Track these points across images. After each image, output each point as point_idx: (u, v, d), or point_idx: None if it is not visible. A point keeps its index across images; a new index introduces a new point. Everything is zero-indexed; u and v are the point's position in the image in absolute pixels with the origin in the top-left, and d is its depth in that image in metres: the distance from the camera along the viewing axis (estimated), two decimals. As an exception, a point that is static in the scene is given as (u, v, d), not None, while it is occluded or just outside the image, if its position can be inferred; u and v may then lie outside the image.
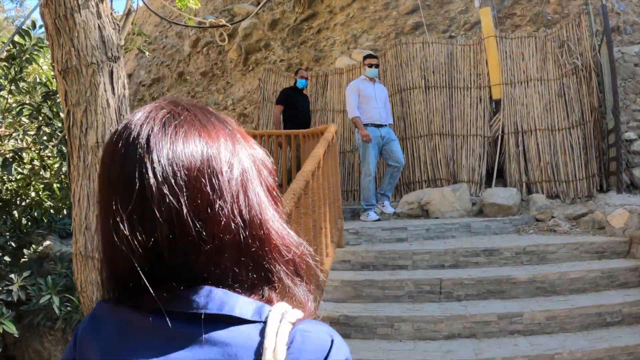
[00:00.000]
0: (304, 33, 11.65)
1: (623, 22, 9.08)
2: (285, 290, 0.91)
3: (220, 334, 0.83)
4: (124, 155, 0.84)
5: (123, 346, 0.86)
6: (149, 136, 0.84)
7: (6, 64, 6.82)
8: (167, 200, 0.81)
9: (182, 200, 0.81)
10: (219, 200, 0.84)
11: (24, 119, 7.28)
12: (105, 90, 3.19)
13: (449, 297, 5.01)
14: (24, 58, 7.11)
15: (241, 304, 0.85)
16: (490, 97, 8.25)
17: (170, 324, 0.83)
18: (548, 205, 7.16)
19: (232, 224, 0.84)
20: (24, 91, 7.30)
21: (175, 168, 0.82)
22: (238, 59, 12.62)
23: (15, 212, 8.21)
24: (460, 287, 5.02)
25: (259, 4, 12.28)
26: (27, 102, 7.21)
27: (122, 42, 3.63)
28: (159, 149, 0.83)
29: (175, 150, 0.83)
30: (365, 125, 7.46)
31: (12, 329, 5.77)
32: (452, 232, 6.44)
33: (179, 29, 14.02)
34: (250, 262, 0.87)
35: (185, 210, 0.81)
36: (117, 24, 3.58)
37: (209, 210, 0.83)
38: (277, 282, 0.90)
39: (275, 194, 0.93)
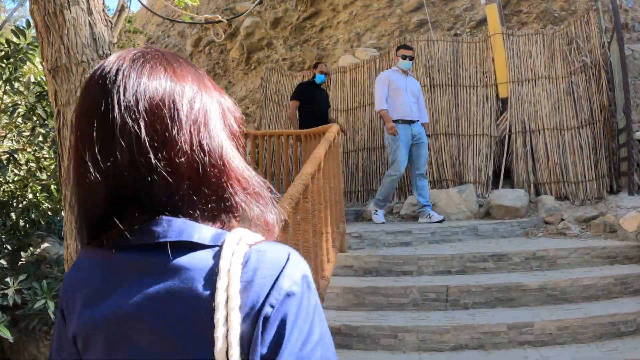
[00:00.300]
0: (306, 31, 11.39)
1: (631, 19, 8.81)
2: (249, 219, 0.92)
3: (181, 260, 0.84)
4: (94, 88, 0.89)
5: (100, 287, 0.89)
6: (117, 70, 0.89)
7: (1, 63, 6.60)
8: (128, 126, 0.85)
9: (141, 125, 0.85)
10: (178, 128, 0.86)
11: (19, 119, 7.08)
12: (96, 90, 3.06)
13: (455, 305, 4.75)
14: (18, 57, 6.91)
15: (200, 231, 0.86)
16: (497, 95, 7.97)
17: (136, 257, 0.87)
18: (557, 207, 6.89)
19: (190, 151, 0.86)
20: (19, 91, 7.08)
21: (139, 97, 0.86)
22: (240, 58, 12.38)
23: (12, 214, 8.05)
24: (468, 295, 4.76)
25: (261, 2, 12.03)
26: (21, 102, 7.00)
27: (115, 40, 3.50)
28: (126, 80, 0.87)
29: (140, 82, 0.87)
30: (395, 121, 6.92)
31: (6, 334, 5.56)
32: (458, 236, 6.17)
33: (181, 28, 13.80)
34: (210, 192, 0.88)
35: (143, 135, 0.84)
36: (110, 21, 3.46)
37: (167, 135, 0.86)
38: (238, 211, 0.91)
39: (238, 141, 0.95)
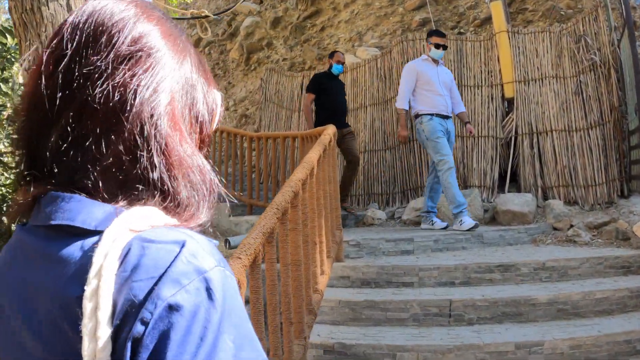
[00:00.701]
0: (307, 31, 11.03)
1: (639, 17, 8.43)
2: (176, 201, 0.73)
3: (58, 251, 0.68)
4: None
5: (7, 266, 0.75)
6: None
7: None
8: (61, 45, 0.72)
9: (69, 46, 0.71)
10: (104, 67, 0.70)
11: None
12: (76, 91, 2.84)
13: (459, 320, 4.36)
14: (5, 58, 6.60)
15: (90, 211, 0.68)
16: (503, 95, 7.57)
17: (30, 239, 0.72)
18: (566, 212, 6.48)
19: (109, 99, 0.69)
20: (6, 93, 6.77)
21: (88, 17, 0.73)
22: (240, 59, 12.02)
23: (4, 219, 7.86)
24: (472, 310, 4.36)
25: (261, 2, 11.68)
26: (9, 104, 6.69)
27: None
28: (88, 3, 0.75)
29: (101, 4, 0.74)
30: (430, 116, 6.25)
31: None
32: (462, 243, 5.77)
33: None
34: (133, 162, 0.70)
35: (66, 60, 0.71)
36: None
37: (87, 69, 0.70)
38: (163, 187, 0.72)
39: (203, 134, 0.80)
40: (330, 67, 7.63)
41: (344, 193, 7.10)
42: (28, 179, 0.73)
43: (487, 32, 8.56)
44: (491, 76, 7.69)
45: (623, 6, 7.11)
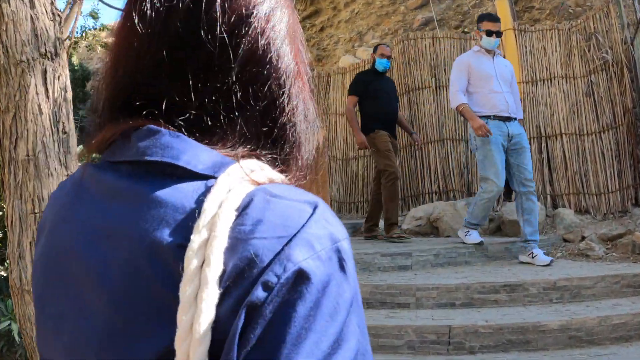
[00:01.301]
0: (306, 31, 10.54)
1: (653, 14, 7.92)
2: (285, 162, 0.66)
3: (154, 191, 0.57)
4: None
5: (62, 210, 0.66)
6: None
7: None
8: None
9: None
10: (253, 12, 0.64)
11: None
12: (37, 94, 2.73)
13: (459, 349, 3.83)
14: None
15: (195, 153, 0.58)
16: (509, 97, 7.03)
17: (110, 177, 0.62)
18: (577, 222, 5.94)
19: (259, 42, 0.63)
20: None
21: None
22: (239, 60, 11.56)
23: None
24: (474, 337, 3.83)
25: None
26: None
27: (65, 36, 3.03)
28: None
29: None
30: (485, 118, 5.06)
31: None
32: (465, 257, 5.24)
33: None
34: (257, 95, 0.63)
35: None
36: (59, 15, 2.99)
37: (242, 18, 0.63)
38: (281, 144, 0.65)
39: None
40: (374, 62, 6.46)
41: (391, 215, 6.04)
42: (112, 112, 0.64)
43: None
44: (497, 77, 7.14)
45: (636, 2, 6.62)
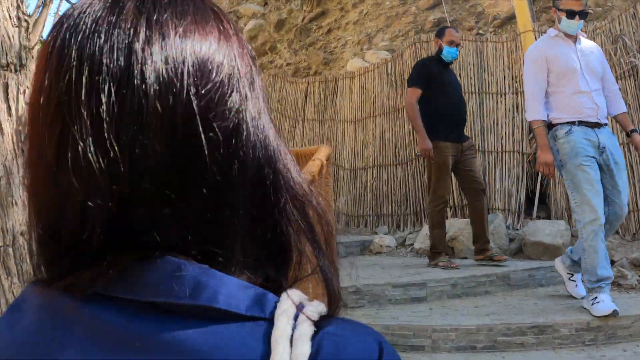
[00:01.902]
0: (312, 33, 10.02)
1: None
2: (297, 268, 0.58)
3: (192, 338, 0.47)
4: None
5: (46, 344, 0.50)
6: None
7: None
8: (171, 95, 0.49)
9: (191, 93, 0.49)
10: (234, 95, 0.53)
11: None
12: (-3, 110, 2.41)
13: (483, 406, 3.31)
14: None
15: (229, 289, 0.50)
16: (529, 105, 6.47)
17: (113, 319, 0.49)
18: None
19: (252, 147, 0.53)
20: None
21: (183, 56, 0.50)
22: (243, 64, 11.06)
23: None
24: (500, 392, 3.31)
25: (265, 4, 10.70)
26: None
27: (33, 43, 2.76)
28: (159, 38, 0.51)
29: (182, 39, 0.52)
30: (569, 126, 3.89)
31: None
32: (485, 287, 4.71)
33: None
34: (258, 215, 0.54)
35: (196, 108, 0.49)
36: (26, 20, 2.66)
37: (225, 111, 0.52)
38: (292, 252, 0.56)
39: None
40: (439, 50, 5.25)
41: (482, 240, 5.13)
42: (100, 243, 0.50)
43: (510, 32, 7.51)
44: (516, 82, 6.62)
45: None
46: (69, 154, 0.48)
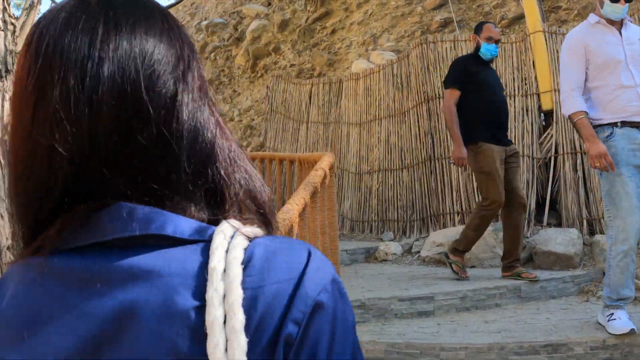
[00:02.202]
0: (316, 34, 9.83)
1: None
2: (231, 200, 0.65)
3: (145, 263, 0.57)
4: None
5: (26, 304, 0.59)
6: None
7: None
8: (122, 72, 0.59)
9: (139, 71, 0.60)
10: (172, 73, 0.62)
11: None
12: (-20, 120, 2.33)
13: None
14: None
15: (176, 222, 0.59)
16: (540, 107, 6.23)
17: (81, 263, 0.58)
18: (621, 252, 5.13)
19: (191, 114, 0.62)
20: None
21: (133, 44, 0.61)
22: (246, 65, 10.90)
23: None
24: (513, 418, 3.09)
25: (269, 4, 10.51)
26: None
27: (20, 48, 2.53)
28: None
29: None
30: (610, 128, 3.47)
31: None
32: (495, 299, 4.49)
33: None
34: (195, 162, 0.62)
35: (143, 82, 0.59)
36: (12, 24, 2.61)
37: (164, 83, 0.61)
38: (226, 193, 0.64)
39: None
40: (477, 48, 4.89)
41: (513, 257, 4.79)
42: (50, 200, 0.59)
43: (519, 32, 7.28)
44: (526, 84, 6.37)
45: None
46: (42, 116, 0.58)
